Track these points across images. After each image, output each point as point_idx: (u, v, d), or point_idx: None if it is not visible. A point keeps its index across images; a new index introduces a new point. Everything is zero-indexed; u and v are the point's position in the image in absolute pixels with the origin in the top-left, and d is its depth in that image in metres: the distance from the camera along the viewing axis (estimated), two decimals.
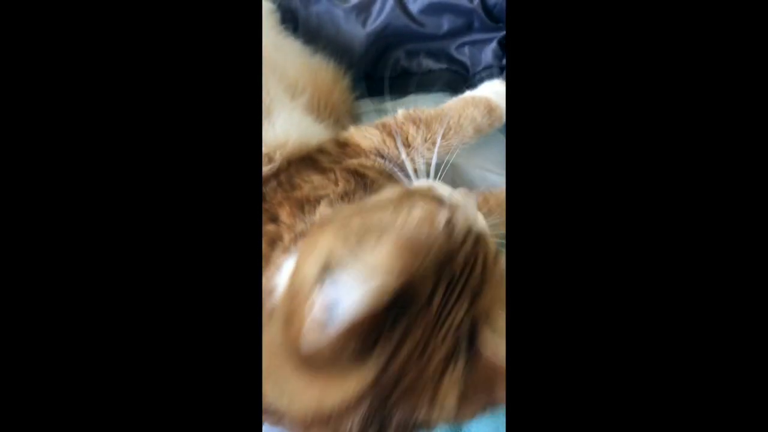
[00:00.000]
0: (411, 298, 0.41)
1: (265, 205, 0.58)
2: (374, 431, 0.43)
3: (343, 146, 0.67)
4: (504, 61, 0.86)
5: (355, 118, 0.87)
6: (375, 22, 0.88)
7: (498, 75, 0.85)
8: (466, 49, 0.89)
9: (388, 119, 0.70)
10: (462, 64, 0.90)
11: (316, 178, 0.62)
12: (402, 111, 0.71)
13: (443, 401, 0.44)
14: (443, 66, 0.91)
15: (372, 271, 0.40)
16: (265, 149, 0.62)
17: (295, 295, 0.43)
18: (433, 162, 0.63)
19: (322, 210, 0.56)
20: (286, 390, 0.44)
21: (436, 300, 0.43)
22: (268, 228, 0.56)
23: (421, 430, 0.46)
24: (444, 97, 0.83)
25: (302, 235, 0.53)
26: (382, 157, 0.66)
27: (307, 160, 0.65)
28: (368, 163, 0.65)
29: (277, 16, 0.91)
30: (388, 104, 0.88)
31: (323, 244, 0.43)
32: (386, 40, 0.90)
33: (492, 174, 0.78)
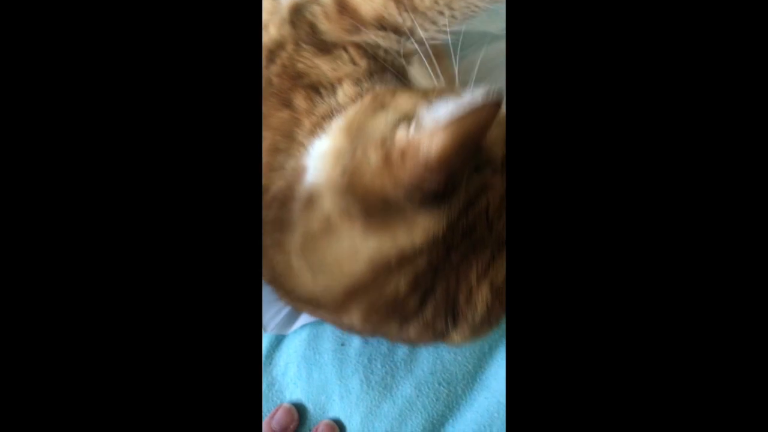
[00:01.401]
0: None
1: (272, 90, 0.52)
2: (420, 294, 0.42)
3: (342, 10, 0.54)
4: None
5: None
6: None
7: None
8: None
9: None
10: None
11: (322, 62, 0.52)
12: None
13: (476, 300, 0.42)
14: None
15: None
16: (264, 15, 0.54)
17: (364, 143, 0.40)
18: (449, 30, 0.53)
19: (346, 89, 0.50)
20: (336, 248, 0.42)
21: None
22: (280, 115, 0.51)
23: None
24: None
25: (328, 116, 0.49)
26: (384, 28, 0.53)
27: (307, 29, 0.54)
28: (371, 40, 0.53)
29: None
30: None
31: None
32: None
33: None
